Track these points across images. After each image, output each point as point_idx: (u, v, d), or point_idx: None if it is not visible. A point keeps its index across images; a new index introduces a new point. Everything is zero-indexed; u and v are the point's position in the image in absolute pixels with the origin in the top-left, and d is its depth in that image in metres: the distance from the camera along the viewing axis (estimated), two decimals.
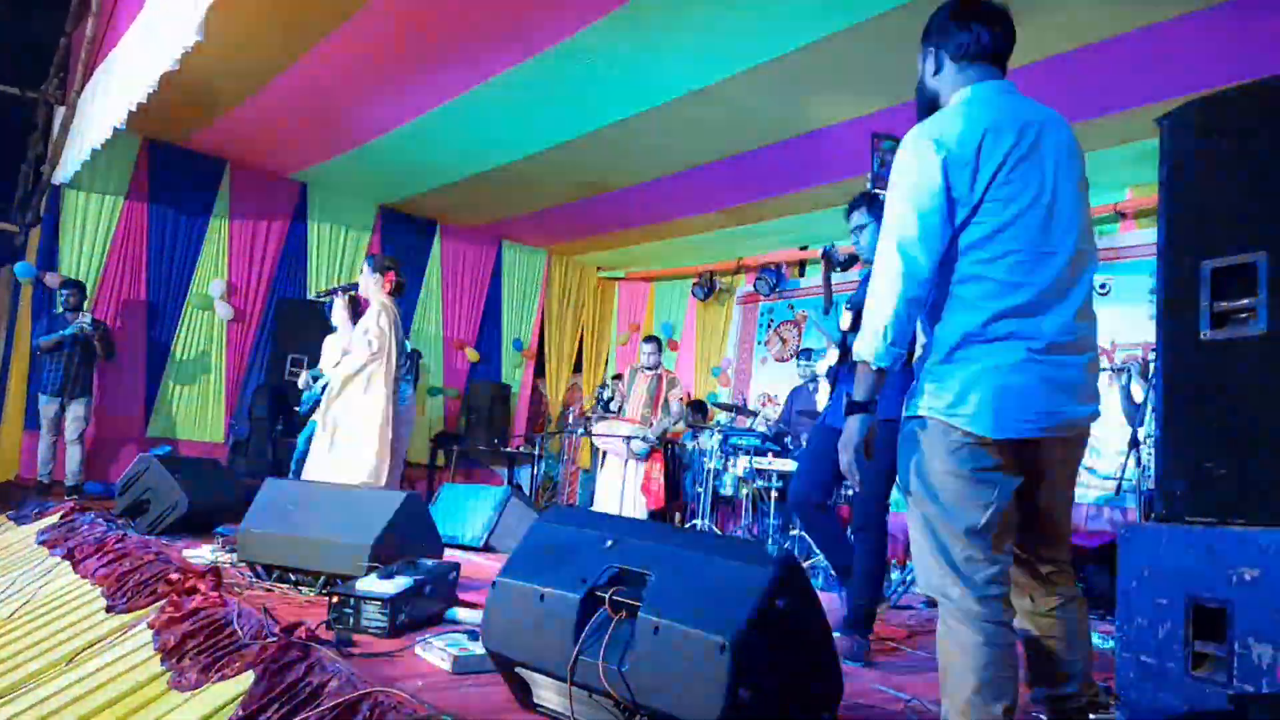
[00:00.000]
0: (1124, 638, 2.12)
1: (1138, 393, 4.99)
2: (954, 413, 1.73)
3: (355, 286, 4.85)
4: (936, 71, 1.90)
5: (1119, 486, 5.43)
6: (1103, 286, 6.21)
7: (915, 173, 1.74)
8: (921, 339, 1.86)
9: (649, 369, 6.70)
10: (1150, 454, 4.76)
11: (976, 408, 1.70)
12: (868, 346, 1.76)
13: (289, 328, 7.61)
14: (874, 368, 1.77)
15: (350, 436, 4.62)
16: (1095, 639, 2.92)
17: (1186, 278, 2.17)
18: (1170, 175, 2.26)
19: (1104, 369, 5.31)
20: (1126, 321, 6.00)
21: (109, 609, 3.32)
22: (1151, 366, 5.00)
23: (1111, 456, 5.63)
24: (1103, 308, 6.35)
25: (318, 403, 5.75)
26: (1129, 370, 5.03)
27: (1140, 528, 2.17)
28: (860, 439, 1.82)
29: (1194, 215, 2.19)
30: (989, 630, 1.69)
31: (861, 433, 1.81)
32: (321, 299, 4.86)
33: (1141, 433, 4.89)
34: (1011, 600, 1.77)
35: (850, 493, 5.89)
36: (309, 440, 5.76)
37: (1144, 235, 6.04)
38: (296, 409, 5.81)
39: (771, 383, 8.46)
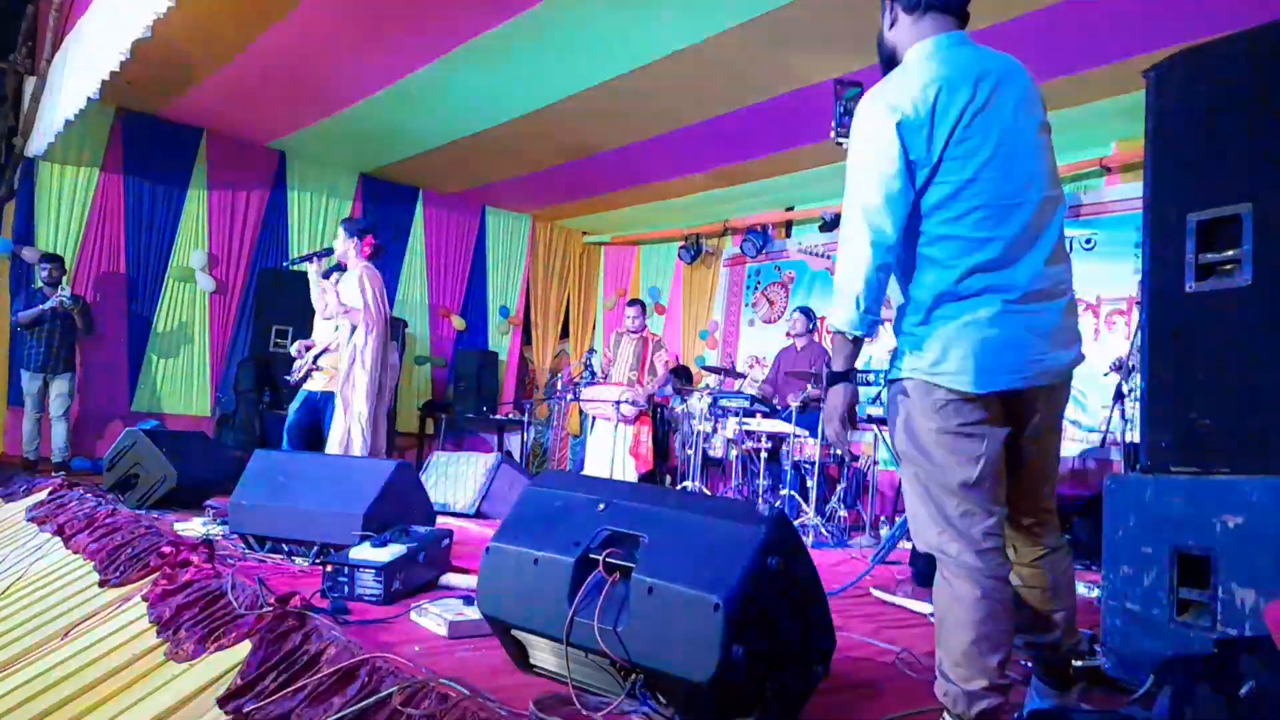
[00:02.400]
0: (1109, 586, 2.16)
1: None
2: (936, 371, 1.74)
3: (331, 251, 4.80)
4: (892, 25, 1.88)
5: (1104, 439, 5.50)
6: (1088, 241, 6.23)
7: (872, 139, 1.75)
8: (898, 301, 1.87)
9: (634, 333, 6.72)
10: (1135, 406, 4.81)
11: (958, 364, 1.72)
12: (842, 316, 1.77)
13: (272, 298, 7.54)
14: (850, 336, 1.78)
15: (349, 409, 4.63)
16: (1080, 588, 2.98)
17: (1172, 231, 2.17)
18: (1157, 128, 2.26)
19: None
20: (1112, 276, 6.03)
21: (102, 583, 3.32)
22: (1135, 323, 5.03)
23: (1096, 410, 5.69)
24: (1089, 262, 6.43)
25: (309, 372, 5.74)
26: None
27: (1125, 478, 2.20)
28: (844, 408, 1.82)
29: (1180, 168, 2.19)
30: (987, 584, 1.71)
31: (844, 398, 1.81)
32: (296, 265, 4.82)
33: (1126, 386, 4.93)
34: None
35: (839, 454, 5.95)
36: (300, 410, 5.76)
37: (1129, 189, 6.04)
38: (288, 378, 5.79)
39: (759, 345, 8.48)
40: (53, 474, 5.91)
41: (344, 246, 4.78)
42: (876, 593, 3.58)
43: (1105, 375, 5.36)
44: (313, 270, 4.83)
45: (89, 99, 5.21)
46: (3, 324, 7.02)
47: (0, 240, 6.96)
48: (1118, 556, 2.15)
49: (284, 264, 4.95)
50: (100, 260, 7.15)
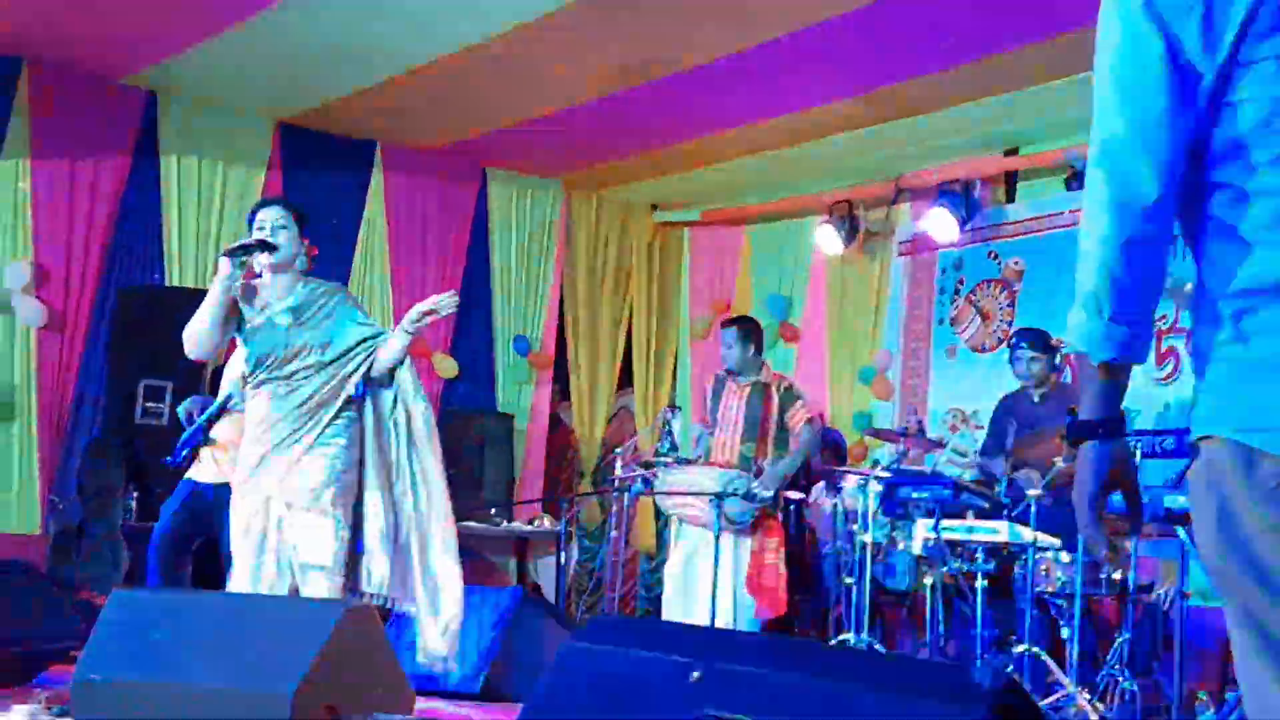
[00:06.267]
0: None
1: None
2: (1258, 426, 1.71)
3: (271, 248, 4.85)
4: None
5: None
6: None
7: (1117, 34, 1.77)
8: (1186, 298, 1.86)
9: (740, 375, 6.73)
10: None
11: None
12: (1080, 329, 1.79)
13: (138, 334, 7.72)
14: (1096, 362, 1.80)
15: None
16: None
17: None
18: None
19: None
20: None
21: None
22: None
23: None
24: None
25: (198, 444, 5.88)
26: None
27: None
28: (1100, 484, 1.82)
29: None
30: None
31: (1100, 470, 1.81)
32: (238, 257, 4.86)
33: None
34: None
35: (1119, 576, 5.82)
36: (174, 517, 5.86)
37: None
38: (169, 462, 5.95)
39: (968, 391, 8.40)
40: None
41: (297, 247, 4.86)
42: None
43: None
44: (234, 272, 4.84)
45: None
46: None
47: None
48: None
49: (227, 254, 4.94)
50: None
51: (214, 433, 5.88)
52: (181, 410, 6.14)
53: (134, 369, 7.71)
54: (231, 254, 4.74)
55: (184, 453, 5.91)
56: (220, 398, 5.92)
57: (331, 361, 4.78)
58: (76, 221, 7.96)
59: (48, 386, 7.85)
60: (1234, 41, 1.71)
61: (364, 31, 6.96)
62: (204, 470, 5.90)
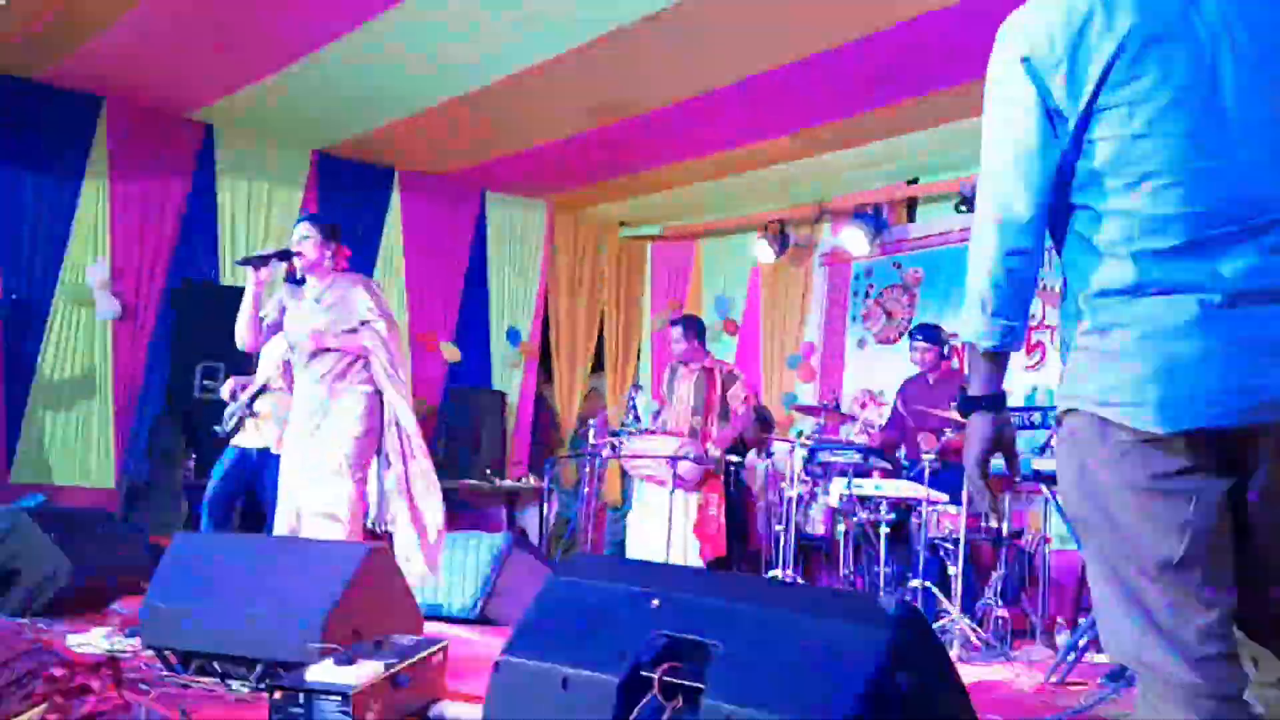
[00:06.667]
0: None
1: None
2: (1108, 402, 1.73)
3: (289, 255, 4.88)
4: None
5: None
6: None
7: (998, 82, 1.82)
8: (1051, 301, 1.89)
9: (688, 362, 6.78)
10: None
11: (1135, 393, 1.69)
12: (969, 323, 1.83)
13: (196, 324, 7.68)
14: (981, 350, 1.83)
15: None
16: None
17: None
18: None
19: None
20: None
21: None
22: None
23: None
24: None
25: (240, 421, 5.91)
26: None
27: None
28: (984, 449, 1.84)
29: None
30: (1208, 707, 1.66)
31: (987, 435, 1.84)
32: (255, 265, 4.87)
33: None
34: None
35: (994, 524, 5.87)
36: (224, 477, 5.87)
37: None
38: (217, 430, 5.97)
39: (875, 375, 8.43)
40: None
41: (317, 253, 4.85)
42: None
43: None
44: (255, 277, 4.87)
45: None
46: None
47: None
48: None
49: (242, 262, 5.04)
50: None
51: (256, 406, 5.91)
52: (224, 389, 6.16)
53: (192, 354, 7.69)
54: (245, 262, 4.92)
55: (231, 423, 5.94)
56: (260, 378, 5.94)
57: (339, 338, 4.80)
58: (146, 231, 7.95)
59: (121, 368, 7.82)
60: (1093, 91, 1.74)
61: (386, 78, 6.94)
62: (248, 437, 5.94)
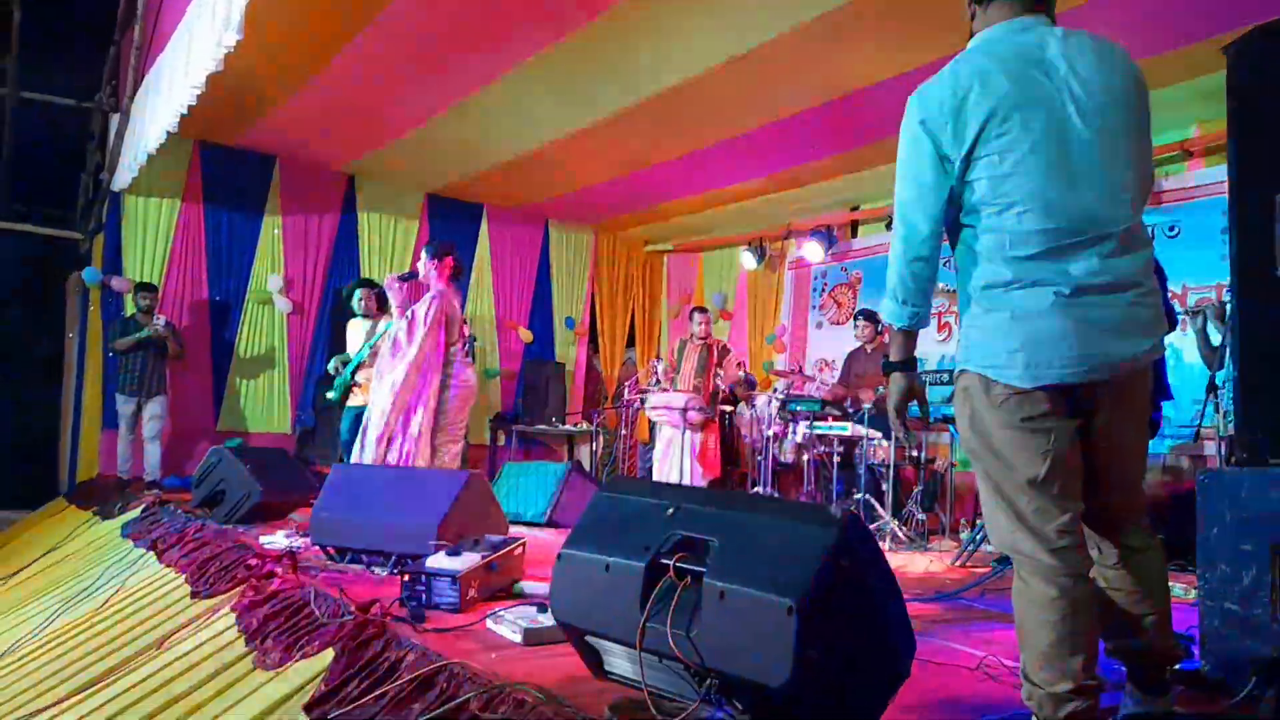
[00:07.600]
0: (1206, 586, 2.07)
1: (1215, 336, 4.81)
2: (989, 365, 1.74)
3: (415, 275, 4.87)
4: (971, 18, 1.89)
5: (1197, 433, 5.26)
6: (1171, 228, 5.99)
7: (906, 137, 1.81)
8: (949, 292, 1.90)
9: (700, 339, 6.74)
10: (1229, 399, 4.60)
11: (1007, 358, 1.71)
12: (889, 310, 1.86)
13: (346, 317, 7.74)
14: (897, 328, 1.86)
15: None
16: (1177, 590, 2.86)
17: (1259, 213, 2.09)
18: (1238, 107, 2.17)
19: (1180, 313, 5.14)
20: (1199, 264, 5.78)
21: (193, 595, 3.47)
22: (1228, 308, 4.81)
23: (1188, 405, 5.46)
24: (1173, 250, 6.19)
25: (348, 388, 5.87)
26: (1205, 313, 4.84)
27: (1220, 473, 2.11)
28: (900, 397, 1.87)
29: (1265, 147, 2.10)
30: (1063, 583, 1.67)
31: (902, 389, 1.86)
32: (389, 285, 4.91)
33: (1219, 377, 4.72)
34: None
35: (915, 454, 5.84)
36: (349, 429, 5.87)
37: (1213, 173, 5.79)
38: (329, 396, 5.96)
39: (828, 348, 8.38)
40: (145, 492, 6.18)
41: (426, 268, 4.83)
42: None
43: (1183, 315, 5.11)
44: (377, 295, 4.88)
45: (168, 132, 5.45)
46: (96, 351, 7.39)
47: (89, 270, 7.34)
48: (1214, 555, 2.07)
49: (342, 286, 4.98)
50: (184, 287, 7.46)
51: (358, 377, 5.85)
52: (330, 365, 6.08)
53: (341, 337, 7.69)
54: (400, 279, 4.83)
55: (339, 391, 5.89)
56: (356, 357, 5.87)
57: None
58: (309, 252, 8.00)
59: (294, 347, 7.90)
60: (972, 143, 1.73)
61: (477, 138, 6.93)
62: (356, 398, 5.85)
